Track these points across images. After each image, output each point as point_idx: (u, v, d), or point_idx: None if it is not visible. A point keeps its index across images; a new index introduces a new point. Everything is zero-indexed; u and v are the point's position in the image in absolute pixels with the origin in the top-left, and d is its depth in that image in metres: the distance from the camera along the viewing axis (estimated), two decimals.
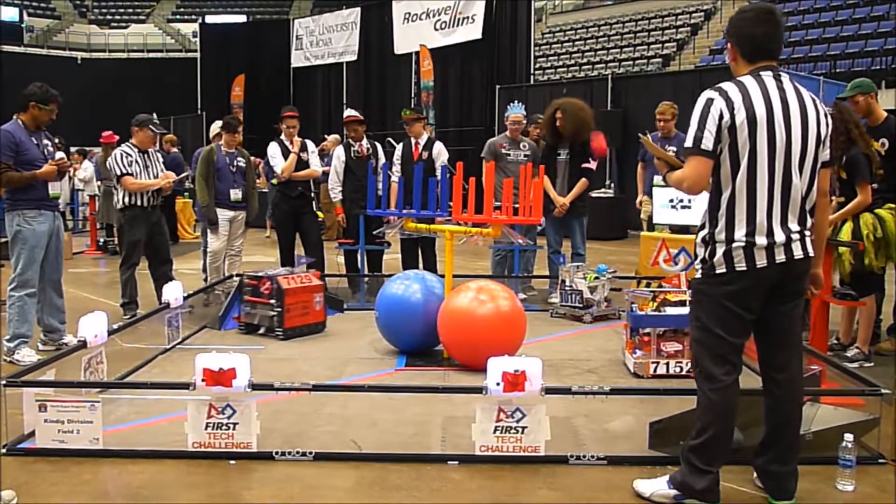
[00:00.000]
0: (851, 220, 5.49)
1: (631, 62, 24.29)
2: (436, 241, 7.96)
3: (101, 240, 12.69)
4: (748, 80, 3.07)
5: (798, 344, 3.27)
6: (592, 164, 7.68)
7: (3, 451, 3.80)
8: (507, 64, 18.87)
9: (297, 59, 23.95)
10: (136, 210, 6.88)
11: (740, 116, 2.98)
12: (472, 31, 18.93)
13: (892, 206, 5.49)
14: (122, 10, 39.46)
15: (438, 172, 7.64)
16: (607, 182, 15.32)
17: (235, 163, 7.85)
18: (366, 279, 8.19)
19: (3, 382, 3.87)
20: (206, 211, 7.80)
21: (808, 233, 3.12)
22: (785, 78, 3.13)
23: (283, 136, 8.08)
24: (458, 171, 5.72)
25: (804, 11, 22.91)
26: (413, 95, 20.46)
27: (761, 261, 3.02)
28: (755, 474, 3.39)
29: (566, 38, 28.35)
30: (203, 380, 3.75)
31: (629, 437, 4.02)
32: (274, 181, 8.41)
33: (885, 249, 5.42)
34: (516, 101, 8.46)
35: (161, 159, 7.31)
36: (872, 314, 5.66)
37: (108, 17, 38.75)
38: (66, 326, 6.02)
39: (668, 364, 5.19)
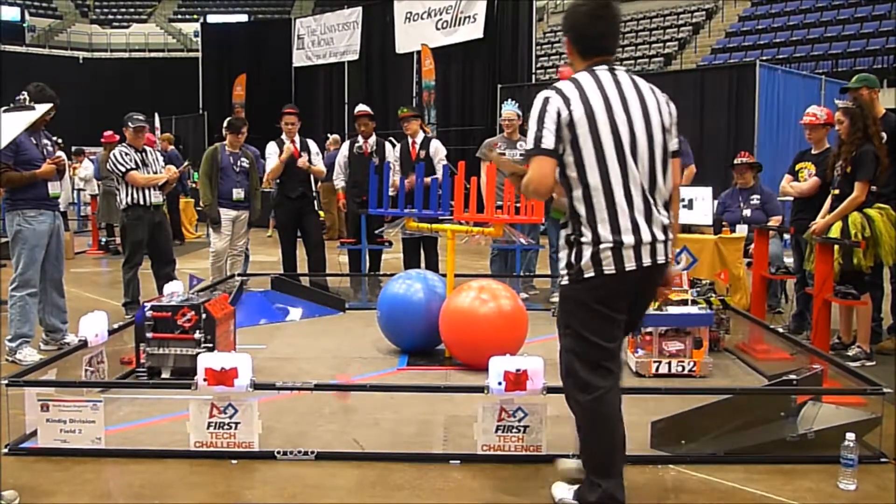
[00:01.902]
0: (841, 219, 5.49)
1: (632, 61, 24.27)
2: (437, 241, 7.96)
3: (103, 239, 12.69)
4: (583, 77, 2.98)
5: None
6: None
7: (5, 450, 3.80)
8: (508, 63, 18.85)
9: (299, 59, 23.93)
10: (138, 210, 6.87)
11: (578, 111, 2.88)
12: (473, 31, 18.91)
13: (882, 205, 5.48)
14: (123, 10, 39.49)
15: (439, 171, 7.65)
16: None
17: (239, 163, 7.85)
18: (367, 278, 8.20)
19: (5, 382, 3.87)
20: (208, 210, 7.82)
21: (670, 234, 3.02)
22: (620, 71, 3.05)
23: (283, 135, 8.08)
24: (459, 170, 5.72)
25: (805, 10, 22.89)
26: (414, 95, 20.44)
27: (629, 263, 2.89)
28: None
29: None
30: (205, 379, 3.75)
31: (631, 436, 4.01)
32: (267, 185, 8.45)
33: (873, 249, 5.41)
34: (510, 100, 8.44)
35: (160, 157, 7.31)
36: (870, 312, 5.66)
37: (110, 16, 38.79)
38: (67, 326, 6.02)
39: (669, 363, 5.18)
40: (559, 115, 2.90)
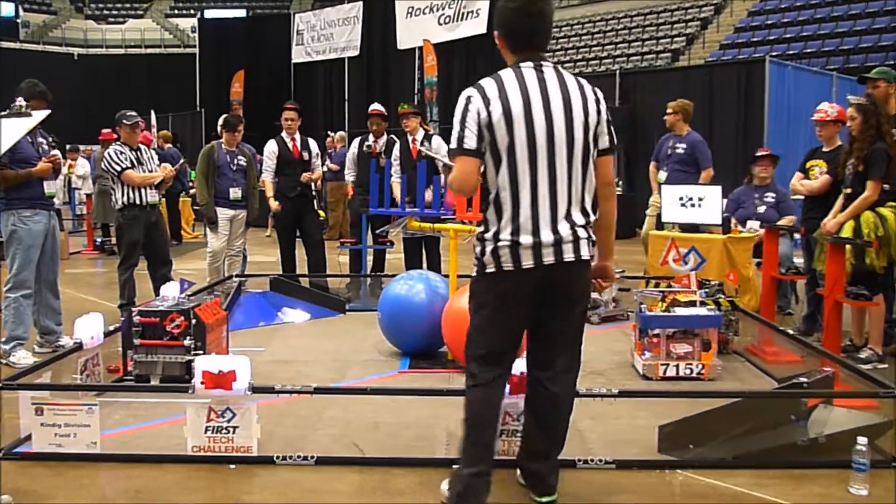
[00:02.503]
0: (853, 218, 5.49)
1: (639, 57, 24.26)
2: (440, 241, 7.96)
3: (98, 239, 12.71)
4: (506, 74, 3.05)
5: (570, 343, 3.21)
6: None
7: (0, 455, 3.81)
8: None
9: (298, 55, 23.95)
10: (134, 210, 6.88)
11: (496, 112, 2.96)
12: (476, 26, 18.91)
13: (894, 204, 5.48)
14: (119, 5, 39.55)
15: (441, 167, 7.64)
16: (615, 179, 15.29)
17: (236, 161, 7.85)
18: (368, 279, 8.21)
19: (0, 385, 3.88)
20: (205, 210, 7.82)
21: (584, 233, 3.05)
22: (548, 67, 3.08)
23: (283, 133, 8.08)
24: None
25: (816, 5, 22.85)
26: (416, 91, 20.44)
27: (527, 261, 2.97)
28: (518, 472, 3.46)
29: (573, 33, 28.32)
30: (202, 382, 3.76)
31: (638, 440, 4.01)
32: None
33: (885, 248, 5.41)
34: None
35: (155, 156, 7.31)
36: (882, 314, 5.65)
37: (105, 12, 38.85)
38: (62, 328, 6.03)
39: (677, 366, 5.18)
40: (479, 115, 3.00)
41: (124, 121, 6.92)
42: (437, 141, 8.23)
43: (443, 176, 6.65)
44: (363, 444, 4.01)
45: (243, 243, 8.11)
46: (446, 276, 5.93)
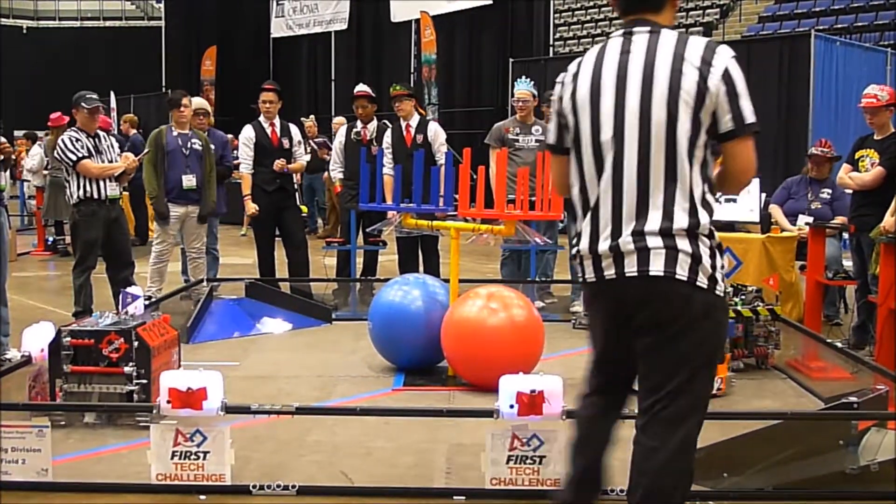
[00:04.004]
0: None
1: None
2: (439, 240, 7.97)
3: (50, 238, 12.72)
4: (593, 50, 2.90)
5: (668, 386, 2.75)
6: None
7: None
8: (522, 34, 18.87)
9: (278, 29, 24.00)
10: (91, 205, 6.86)
11: (566, 99, 2.88)
12: None
13: None
14: None
15: (440, 158, 7.66)
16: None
17: (189, 145, 7.69)
18: (358, 284, 8.22)
19: None
20: (154, 203, 7.72)
21: (659, 242, 2.67)
22: (641, 33, 2.78)
23: (261, 118, 8.07)
24: (465, 158, 5.73)
25: None
26: (412, 71, 20.48)
27: (589, 273, 2.83)
28: None
29: (591, 4, 28.34)
30: (168, 401, 3.75)
31: None
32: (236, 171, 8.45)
33: None
34: (523, 77, 8.44)
35: (115, 144, 7.28)
36: None
37: None
38: (9, 339, 6.03)
39: None
40: (557, 101, 2.94)
41: (83, 104, 6.88)
42: (433, 127, 8.23)
43: (442, 167, 6.66)
44: (352, 471, 4.01)
45: (204, 243, 8.01)
46: (446, 281, 5.93)
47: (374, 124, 8.31)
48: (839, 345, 5.55)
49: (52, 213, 12.25)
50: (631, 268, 2.70)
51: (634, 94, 2.70)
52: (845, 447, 3.83)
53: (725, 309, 2.88)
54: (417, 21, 19.71)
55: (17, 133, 16.74)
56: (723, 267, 2.76)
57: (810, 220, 7.23)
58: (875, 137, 6.55)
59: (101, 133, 7.09)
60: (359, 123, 8.34)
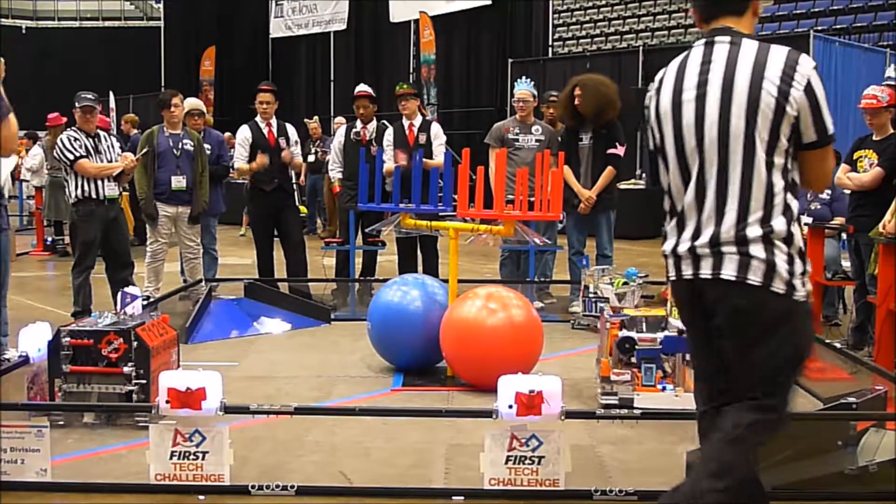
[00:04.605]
0: None
1: (665, 31, 24.27)
2: (438, 241, 7.97)
3: (49, 238, 12.72)
4: (677, 59, 2.98)
5: (739, 387, 2.82)
6: (620, 150, 7.67)
7: None
8: (521, 34, 18.89)
9: (277, 29, 23.99)
10: (90, 204, 6.87)
11: (651, 107, 3.00)
12: None
13: None
14: None
15: (439, 158, 7.66)
16: (638, 172, 15.31)
17: (181, 145, 7.65)
18: (356, 284, 8.21)
19: None
20: (143, 204, 7.68)
21: (733, 248, 2.74)
22: (722, 42, 2.85)
23: (258, 118, 8.07)
24: (464, 158, 5.73)
25: None
26: (412, 71, 20.48)
27: (671, 272, 2.97)
28: None
29: (590, 4, 28.35)
30: (167, 401, 3.76)
31: (663, 468, 4.02)
32: (233, 171, 8.43)
33: None
34: (523, 77, 8.45)
35: (116, 144, 7.28)
36: None
37: None
38: (7, 340, 6.02)
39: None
40: (647, 110, 3.04)
41: (77, 103, 6.89)
42: (435, 128, 8.25)
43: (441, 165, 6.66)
44: (350, 472, 4.01)
45: (201, 243, 7.99)
46: (445, 281, 5.93)
47: (373, 125, 8.30)
48: (838, 345, 5.55)
49: (52, 213, 12.25)
50: (706, 270, 2.79)
51: (714, 106, 2.79)
52: (844, 447, 3.83)
53: (806, 314, 2.84)
54: (416, 21, 19.72)
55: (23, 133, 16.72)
56: (804, 273, 2.78)
57: (809, 220, 7.23)
58: (874, 138, 6.55)
59: (102, 133, 7.09)
60: (358, 123, 8.33)
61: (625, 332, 4.87)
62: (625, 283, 6.95)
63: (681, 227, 2.90)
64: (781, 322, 2.74)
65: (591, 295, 7.02)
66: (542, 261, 8.27)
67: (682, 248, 2.86)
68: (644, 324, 4.97)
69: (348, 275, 8.33)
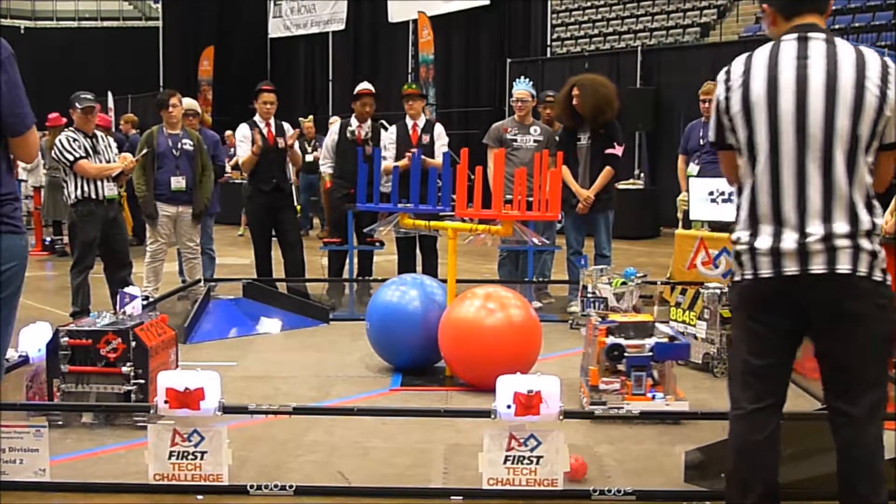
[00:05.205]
0: None
1: (664, 32, 24.28)
2: (437, 241, 7.97)
3: (48, 239, 12.72)
4: (761, 50, 2.98)
5: (867, 381, 2.98)
6: (618, 150, 7.67)
7: None
8: (519, 34, 18.89)
9: (276, 29, 23.99)
10: (89, 205, 6.87)
11: (735, 99, 2.96)
12: None
13: None
14: None
15: (439, 158, 7.65)
16: (636, 171, 15.33)
17: (180, 146, 7.63)
18: (354, 284, 8.21)
19: None
20: (143, 203, 7.69)
21: (847, 242, 2.84)
22: (817, 39, 2.92)
23: (257, 117, 8.07)
24: (462, 158, 5.73)
25: None
26: (410, 71, 20.49)
27: (765, 269, 2.91)
28: None
29: (588, 4, 28.36)
30: (166, 401, 3.75)
31: (662, 468, 4.02)
32: (230, 170, 8.40)
33: None
34: (522, 77, 8.45)
35: (113, 144, 7.28)
36: None
37: None
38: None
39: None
40: (718, 102, 3.02)
41: (77, 104, 6.89)
42: (439, 129, 8.25)
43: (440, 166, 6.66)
44: (349, 472, 4.01)
45: (199, 242, 7.98)
46: (444, 281, 5.93)
47: (368, 124, 8.28)
48: None
49: (51, 213, 12.25)
50: (818, 266, 2.84)
51: (818, 101, 2.84)
52: None
53: (893, 299, 3.01)
54: (415, 21, 19.72)
55: None
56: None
57: None
58: None
59: (99, 133, 7.09)
60: (354, 122, 8.29)
61: (613, 340, 4.74)
62: (623, 283, 6.95)
63: (778, 223, 2.89)
64: (884, 308, 2.91)
65: (589, 295, 7.01)
66: (541, 261, 8.27)
67: (787, 244, 2.87)
68: (632, 330, 4.84)
69: (341, 274, 8.33)
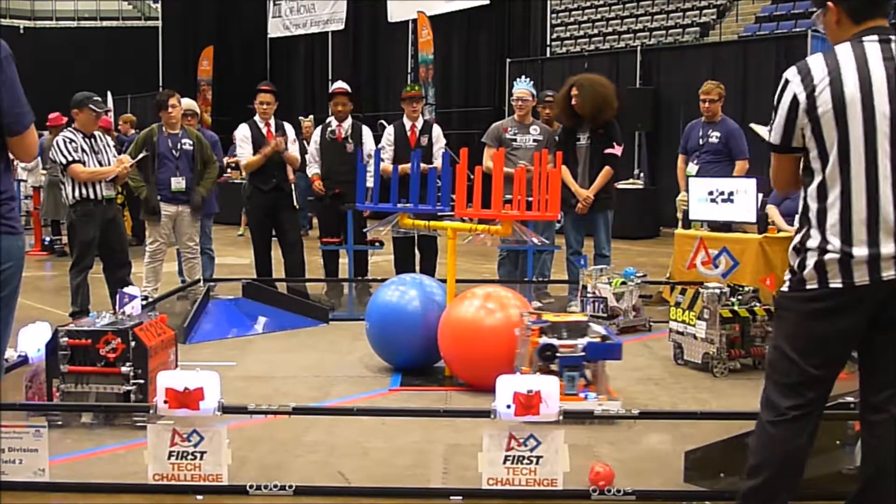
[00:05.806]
0: None
1: (663, 32, 24.28)
2: (436, 241, 7.97)
3: (47, 238, 12.71)
4: (842, 50, 2.91)
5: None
6: (617, 150, 7.67)
7: None
8: (519, 34, 18.88)
9: (275, 29, 23.98)
10: (88, 205, 6.87)
11: (823, 100, 2.85)
12: None
13: None
14: None
15: (438, 158, 7.66)
16: (636, 171, 15.33)
17: (180, 146, 7.62)
18: (354, 285, 8.21)
19: None
20: (145, 199, 7.69)
21: None
22: None
23: (256, 117, 8.07)
24: (462, 158, 5.73)
25: None
26: (410, 71, 20.48)
27: (861, 277, 2.85)
28: None
29: (588, 4, 28.36)
30: (165, 401, 3.75)
31: (661, 468, 4.02)
32: (231, 171, 8.38)
33: None
34: (522, 77, 8.45)
35: (111, 144, 7.27)
36: None
37: None
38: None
39: None
40: (794, 101, 2.91)
41: (91, 106, 6.86)
42: (437, 130, 8.25)
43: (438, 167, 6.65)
44: (349, 472, 4.01)
45: (199, 242, 7.97)
46: (443, 281, 5.93)
47: (348, 122, 8.26)
48: None
49: (50, 213, 12.25)
50: None
51: None
52: (842, 447, 3.83)
53: None
54: (414, 21, 19.72)
55: None
56: None
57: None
58: None
59: (98, 133, 7.08)
60: (333, 122, 8.28)
61: (545, 339, 4.68)
62: (623, 283, 6.96)
63: (875, 227, 2.83)
64: None
65: (588, 295, 7.02)
66: (540, 260, 8.27)
67: (887, 249, 2.82)
68: (565, 330, 4.78)
69: (338, 274, 8.32)
